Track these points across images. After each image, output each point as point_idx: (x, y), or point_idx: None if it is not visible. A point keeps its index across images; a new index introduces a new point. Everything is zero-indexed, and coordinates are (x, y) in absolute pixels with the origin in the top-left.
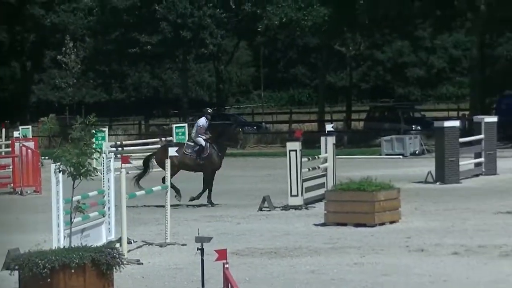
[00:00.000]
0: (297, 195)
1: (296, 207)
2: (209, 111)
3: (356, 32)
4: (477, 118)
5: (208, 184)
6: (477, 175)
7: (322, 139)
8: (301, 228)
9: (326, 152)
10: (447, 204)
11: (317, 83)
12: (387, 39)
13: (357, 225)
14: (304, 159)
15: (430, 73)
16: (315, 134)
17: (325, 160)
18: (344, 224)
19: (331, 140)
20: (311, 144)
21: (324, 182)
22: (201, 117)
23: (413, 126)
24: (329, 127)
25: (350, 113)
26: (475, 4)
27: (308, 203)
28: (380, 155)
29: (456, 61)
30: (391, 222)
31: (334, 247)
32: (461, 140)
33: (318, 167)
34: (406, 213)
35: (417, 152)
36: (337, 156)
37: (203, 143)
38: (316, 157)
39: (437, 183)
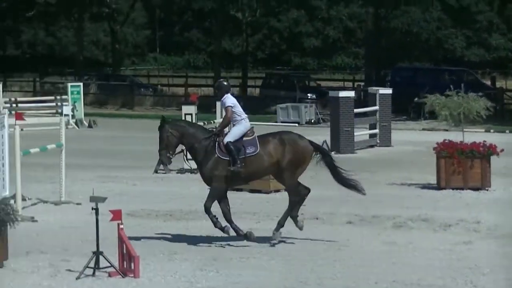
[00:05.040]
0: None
1: (192, 171)
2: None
3: None
4: (371, 89)
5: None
6: (371, 146)
7: (218, 104)
8: (196, 192)
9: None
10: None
11: (213, 48)
12: (283, 7)
13: (253, 191)
14: (200, 123)
15: (326, 43)
16: (211, 98)
17: None
18: (240, 190)
19: None
20: (207, 108)
21: None
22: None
23: (309, 95)
24: None
25: (246, 80)
26: None
27: None
28: (276, 122)
29: (352, 32)
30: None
31: None
32: (356, 110)
33: None
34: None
35: (312, 120)
36: None
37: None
38: (212, 121)
39: (332, 152)
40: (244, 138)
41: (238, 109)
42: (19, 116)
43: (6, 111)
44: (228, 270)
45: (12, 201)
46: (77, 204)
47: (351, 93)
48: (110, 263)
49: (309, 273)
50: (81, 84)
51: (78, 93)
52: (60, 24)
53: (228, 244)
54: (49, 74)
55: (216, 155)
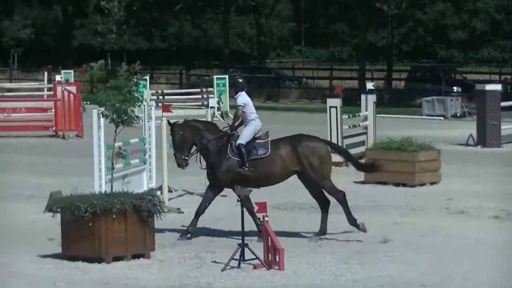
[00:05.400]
0: None
1: (336, 164)
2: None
3: None
4: None
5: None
6: None
7: (363, 97)
8: (341, 185)
9: (366, 110)
10: (488, 167)
11: (358, 41)
12: (429, 0)
13: (397, 184)
14: (345, 116)
15: (472, 36)
16: (355, 91)
17: (366, 118)
18: (384, 183)
19: (372, 98)
20: (351, 101)
21: (364, 140)
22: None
23: (454, 88)
24: (369, 85)
25: (391, 72)
26: None
27: None
28: (421, 115)
29: (499, 24)
30: (432, 183)
31: (374, 205)
32: (503, 104)
33: (358, 125)
34: (447, 174)
35: (458, 114)
36: (377, 115)
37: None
38: (357, 114)
39: (478, 146)
40: (257, 141)
41: (250, 108)
42: (166, 108)
43: (153, 103)
44: (372, 263)
45: (158, 193)
46: (223, 196)
47: (498, 86)
48: (255, 255)
49: (455, 268)
50: (227, 76)
51: (224, 85)
52: (206, 17)
53: (372, 238)
54: (195, 67)
55: (227, 156)
